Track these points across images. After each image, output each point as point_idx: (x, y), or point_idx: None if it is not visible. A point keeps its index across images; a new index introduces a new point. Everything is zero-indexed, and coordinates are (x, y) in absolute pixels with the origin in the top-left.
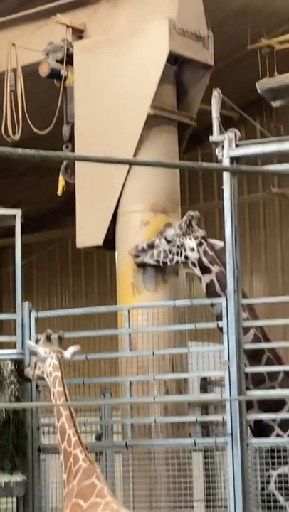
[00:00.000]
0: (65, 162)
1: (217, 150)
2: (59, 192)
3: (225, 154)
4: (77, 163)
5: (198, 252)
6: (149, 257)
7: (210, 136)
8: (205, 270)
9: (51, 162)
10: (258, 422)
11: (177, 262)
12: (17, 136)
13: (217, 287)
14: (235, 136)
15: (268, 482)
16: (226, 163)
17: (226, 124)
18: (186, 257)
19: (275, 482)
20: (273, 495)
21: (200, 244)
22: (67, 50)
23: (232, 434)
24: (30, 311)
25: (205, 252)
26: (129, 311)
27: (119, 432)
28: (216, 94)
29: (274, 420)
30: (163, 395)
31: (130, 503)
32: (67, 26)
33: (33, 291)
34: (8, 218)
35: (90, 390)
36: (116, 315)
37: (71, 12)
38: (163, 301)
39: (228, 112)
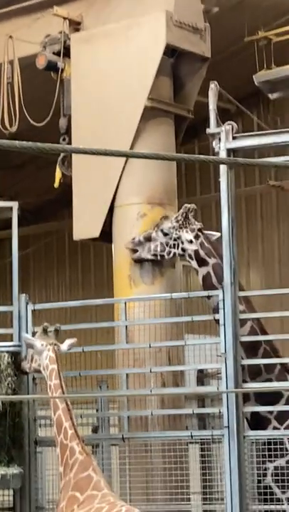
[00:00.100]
0: (62, 154)
1: (214, 142)
2: (56, 184)
3: (222, 147)
4: (74, 155)
5: (195, 244)
6: (146, 252)
7: (207, 129)
8: (202, 263)
9: (48, 154)
10: (255, 415)
11: (174, 254)
12: (14, 128)
13: (214, 279)
14: (232, 128)
15: (265, 475)
16: (223, 155)
17: (223, 116)
18: (183, 250)
19: (272, 475)
20: (270, 487)
21: (197, 236)
22: (65, 42)
23: (228, 426)
24: (27, 303)
25: (202, 245)
26: (126, 304)
27: (115, 425)
28: (213, 87)
29: (271, 413)
30: (159, 388)
31: (127, 495)
32: (64, 18)
33: (29, 284)
34: (5, 210)
35: (87, 382)
36: (113, 307)
37: (68, 4)
38: (160, 293)
39: (225, 105)
